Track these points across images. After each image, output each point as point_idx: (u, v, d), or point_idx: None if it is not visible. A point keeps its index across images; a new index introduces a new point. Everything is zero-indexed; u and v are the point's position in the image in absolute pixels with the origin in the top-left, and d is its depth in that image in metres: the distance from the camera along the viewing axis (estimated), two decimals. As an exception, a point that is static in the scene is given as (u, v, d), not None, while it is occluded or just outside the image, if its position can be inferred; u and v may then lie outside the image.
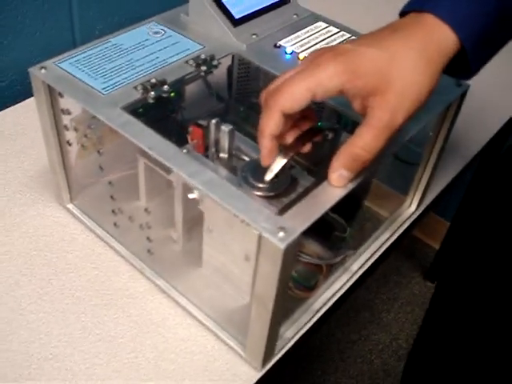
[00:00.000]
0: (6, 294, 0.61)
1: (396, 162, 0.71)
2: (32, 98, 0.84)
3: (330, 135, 0.59)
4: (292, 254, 0.46)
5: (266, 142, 0.49)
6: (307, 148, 0.55)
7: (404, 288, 1.62)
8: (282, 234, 0.45)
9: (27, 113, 0.83)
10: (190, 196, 0.60)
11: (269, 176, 0.54)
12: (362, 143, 0.46)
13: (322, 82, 0.45)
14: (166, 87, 0.58)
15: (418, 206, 0.74)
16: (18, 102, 0.85)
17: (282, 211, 0.48)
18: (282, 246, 0.44)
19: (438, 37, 0.46)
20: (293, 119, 0.51)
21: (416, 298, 1.60)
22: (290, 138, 0.53)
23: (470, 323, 0.72)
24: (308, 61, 0.48)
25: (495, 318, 0.68)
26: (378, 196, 0.73)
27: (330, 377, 1.41)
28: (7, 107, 0.84)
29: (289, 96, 0.46)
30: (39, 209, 0.70)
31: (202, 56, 0.62)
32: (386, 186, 0.73)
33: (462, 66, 0.49)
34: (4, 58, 0.86)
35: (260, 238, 0.46)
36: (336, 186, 0.49)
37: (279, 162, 0.53)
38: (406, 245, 1.69)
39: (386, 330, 1.52)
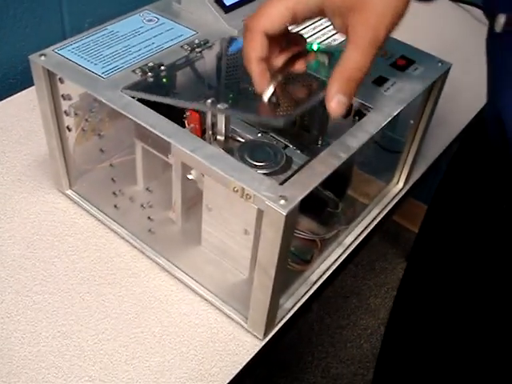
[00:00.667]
0: (11, 277, 0.63)
1: (378, 149, 0.74)
2: (24, 91, 0.87)
3: (326, 60, 0.57)
4: (293, 220, 0.49)
5: (255, 66, 0.49)
6: (300, 66, 0.54)
7: (390, 274, 1.66)
8: (283, 201, 0.47)
9: (21, 105, 0.85)
10: (189, 176, 0.62)
11: (266, 96, 0.52)
12: (352, 63, 0.46)
13: (295, 2, 0.46)
14: (163, 68, 0.60)
15: (405, 182, 0.77)
16: (10, 95, 0.86)
17: (282, 183, 0.50)
18: (285, 212, 0.46)
19: None
20: (279, 43, 0.51)
21: (402, 283, 1.63)
22: (279, 62, 0.52)
23: (440, 301, 0.74)
24: None
25: (465, 296, 0.70)
26: (362, 183, 0.75)
27: (321, 362, 1.44)
28: (1, 100, 0.85)
29: (268, 16, 0.47)
30: (39, 196, 0.72)
31: (196, 41, 0.64)
32: (367, 175, 0.76)
33: None
34: (-4, 51, 0.87)
35: (260, 210, 0.48)
36: (336, 113, 0.47)
37: (274, 83, 0.51)
38: (390, 231, 1.73)
39: (373, 315, 1.55)
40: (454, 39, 1.08)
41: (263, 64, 0.50)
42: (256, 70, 0.49)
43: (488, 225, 0.65)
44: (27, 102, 0.85)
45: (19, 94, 0.87)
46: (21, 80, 0.91)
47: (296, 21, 0.48)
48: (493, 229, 0.64)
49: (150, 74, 0.59)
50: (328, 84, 0.47)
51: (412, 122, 0.70)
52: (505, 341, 0.66)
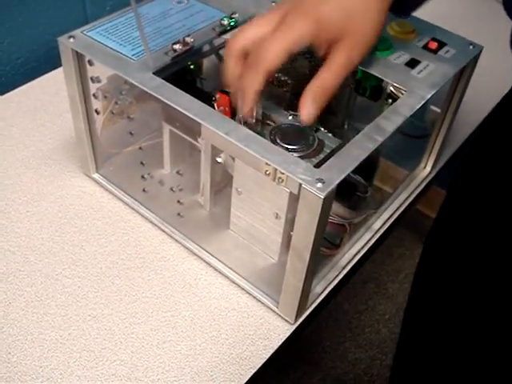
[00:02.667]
0: (39, 261, 0.63)
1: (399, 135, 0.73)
2: (47, 75, 0.86)
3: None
4: (329, 203, 0.48)
5: (252, 99, 0.53)
6: None
7: (407, 259, 1.65)
8: (320, 184, 0.46)
9: (44, 88, 0.85)
10: (219, 160, 0.62)
11: (253, 118, 0.57)
12: (324, 83, 0.52)
13: (296, 41, 0.51)
14: (194, 50, 0.59)
15: (433, 167, 0.76)
16: (33, 79, 0.86)
17: (317, 166, 0.50)
18: (322, 195, 0.46)
19: None
20: None
21: (420, 268, 1.62)
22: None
23: (458, 285, 0.73)
24: (277, 15, 0.52)
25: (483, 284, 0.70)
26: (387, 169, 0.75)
27: (339, 347, 1.44)
28: (24, 84, 0.85)
29: (271, 58, 0.51)
30: (65, 179, 0.71)
31: (225, 22, 0.63)
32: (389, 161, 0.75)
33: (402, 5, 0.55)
34: (19, 35, 0.86)
35: (292, 193, 0.48)
36: (306, 122, 0.53)
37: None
38: (408, 217, 1.71)
39: (391, 301, 1.55)
40: (476, 23, 1.07)
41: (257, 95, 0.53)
42: (252, 102, 0.53)
43: (508, 210, 0.64)
44: (50, 86, 0.85)
45: (42, 77, 0.86)
46: (43, 64, 0.91)
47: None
48: None
49: (181, 56, 0.58)
50: (302, 96, 0.53)
51: (434, 108, 0.70)
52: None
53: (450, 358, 0.76)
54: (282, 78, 0.65)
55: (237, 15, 0.65)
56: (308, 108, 0.52)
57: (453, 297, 0.74)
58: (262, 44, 0.51)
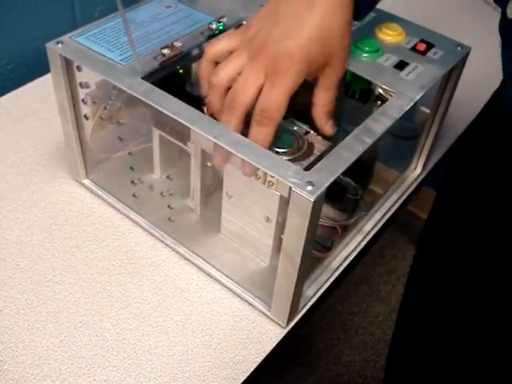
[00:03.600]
0: (30, 267, 0.63)
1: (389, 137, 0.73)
2: (36, 81, 0.86)
3: None
4: (320, 206, 0.48)
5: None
6: None
7: (400, 260, 1.66)
8: (310, 187, 0.46)
9: (33, 95, 0.84)
10: (209, 164, 0.61)
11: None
12: (328, 100, 0.57)
13: (295, 86, 0.53)
14: (183, 55, 0.59)
15: (424, 168, 0.76)
16: (23, 84, 0.86)
17: (307, 169, 0.50)
18: (312, 198, 0.46)
19: None
20: None
21: (412, 269, 1.63)
22: None
23: (451, 286, 0.74)
24: (257, 46, 0.53)
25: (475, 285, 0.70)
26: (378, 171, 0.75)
27: (333, 349, 1.44)
28: (13, 90, 0.85)
29: (278, 110, 0.53)
30: (55, 185, 0.71)
31: (214, 26, 0.63)
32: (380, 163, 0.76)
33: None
34: (8, 41, 0.86)
35: (282, 196, 0.48)
36: (331, 133, 0.59)
37: None
38: (399, 219, 1.72)
39: (384, 302, 1.55)
40: (464, 24, 1.07)
41: None
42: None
43: (499, 208, 0.64)
44: (39, 92, 0.85)
45: (30, 83, 0.86)
46: (32, 69, 0.90)
47: None
48: (504, 212, 0.63)
49: (169, 60, 0.58)
50: (315, 119, 0.57)
51: (424, 109, 0.70)
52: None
53: (444, 358, 0.76)
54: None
55: (225, 19, 0.65)
56: (327, 122, 0.58)
57: (446, 298, 0.74)
58: (269, 97, 0.53)
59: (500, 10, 0.55)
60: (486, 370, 0.71)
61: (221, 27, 0.64)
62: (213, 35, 0.63)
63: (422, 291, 0.81)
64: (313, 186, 0.47)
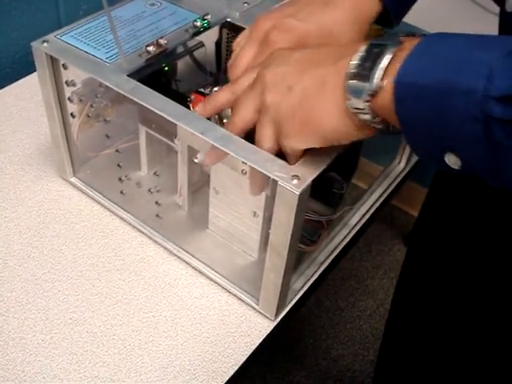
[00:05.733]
0: (19, 266, 0.63)
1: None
2: (21, 80, 0.86)
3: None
4: (305, 199, 0.49)
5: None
6: None
7: (386, 255, 1.67)
8: (295, 181, 0.47)
9: (18, 94, 0.84)
10: (196, 160, 0.62)
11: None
12: None
13: None
14: (168, 52, 0.60)
15: (407, 163, 0.77)
16: (8, 84, 0.85)
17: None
18: (298, 191, 0.46)
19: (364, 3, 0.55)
20: None
21: (399, 264, 1.63)
22: None
23: (443, 284, 0.75)
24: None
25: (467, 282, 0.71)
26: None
27: (321, 344, 1.45)
28: (-2, 90, 0.85)
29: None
30: (43, 184, 0.71)
31: (199, 24, 0.64)
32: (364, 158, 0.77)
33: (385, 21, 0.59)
34: (-8, 41, 0.86)
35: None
36: None
37: None
38: (385, 214, 1.73)
39: (372, 297, 1.57)
40: (454, 25, 1.08)
41: None
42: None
43: (491, 207, 0.65)
44: (25, 91, 0.85)
45: (16, 83, 0.86)
46: (17, 69, 0.90)
47: None
48: (496, 211, 0.64)
49: (155, 58, 0.58)
50: None
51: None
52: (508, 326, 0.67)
53: (435, 354, 0.77)
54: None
55: (209, 16, 0.65)
56: None
57: (437, 294, 0.75)
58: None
59: (496, 12, 0.57)
60: (476, 366, 0.72)
61: (205, 25, 0.64)
62: (197, 32, 0.63)
63: (414, 288, 0.82)
64: (298, 179, 0.47)
